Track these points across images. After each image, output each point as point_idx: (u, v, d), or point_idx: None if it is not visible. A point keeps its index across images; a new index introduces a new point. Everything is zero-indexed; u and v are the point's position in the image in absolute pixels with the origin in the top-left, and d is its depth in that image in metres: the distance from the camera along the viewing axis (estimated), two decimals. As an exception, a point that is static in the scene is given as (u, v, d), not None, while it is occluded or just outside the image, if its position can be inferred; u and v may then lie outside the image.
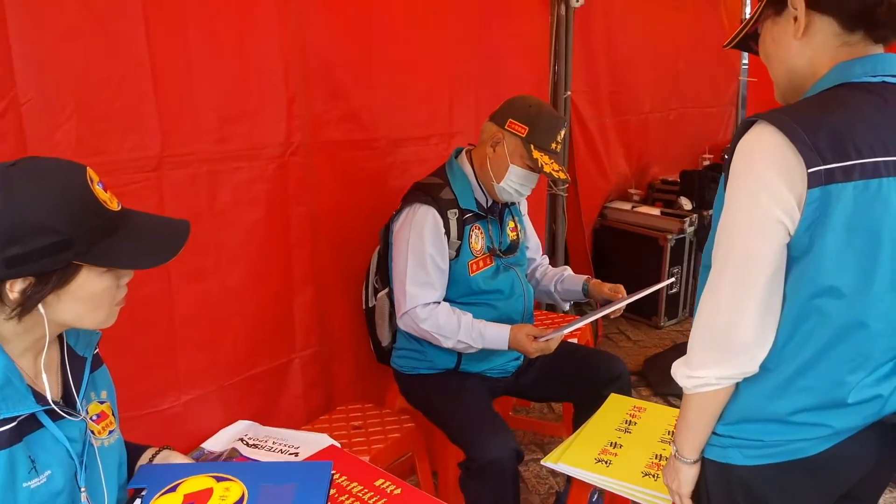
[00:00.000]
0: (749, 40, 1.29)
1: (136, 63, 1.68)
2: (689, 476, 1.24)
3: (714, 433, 1.19)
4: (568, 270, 2.29)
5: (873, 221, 1.03)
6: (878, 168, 1.02)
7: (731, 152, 1.10)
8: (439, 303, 1.94)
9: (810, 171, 1.00)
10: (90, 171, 0.99)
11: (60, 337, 1.10)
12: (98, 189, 0.99)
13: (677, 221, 3.92)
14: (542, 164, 1.90)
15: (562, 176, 1.95)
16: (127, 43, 1.65)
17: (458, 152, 2.09)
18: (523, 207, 2.24)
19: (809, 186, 1.01)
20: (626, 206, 4.14)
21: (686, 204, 4.09)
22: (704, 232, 4.00)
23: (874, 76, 1.07)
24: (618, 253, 4.05)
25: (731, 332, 1.09)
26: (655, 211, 4.06)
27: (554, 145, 1.95)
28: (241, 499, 1.11)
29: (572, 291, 2.21)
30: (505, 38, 2.90)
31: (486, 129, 2.01)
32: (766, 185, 1.03)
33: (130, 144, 1.70)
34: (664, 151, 4.60)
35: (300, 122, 2.07)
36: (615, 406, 1.96)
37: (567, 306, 2.33)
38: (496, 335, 1.91)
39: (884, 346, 1.10)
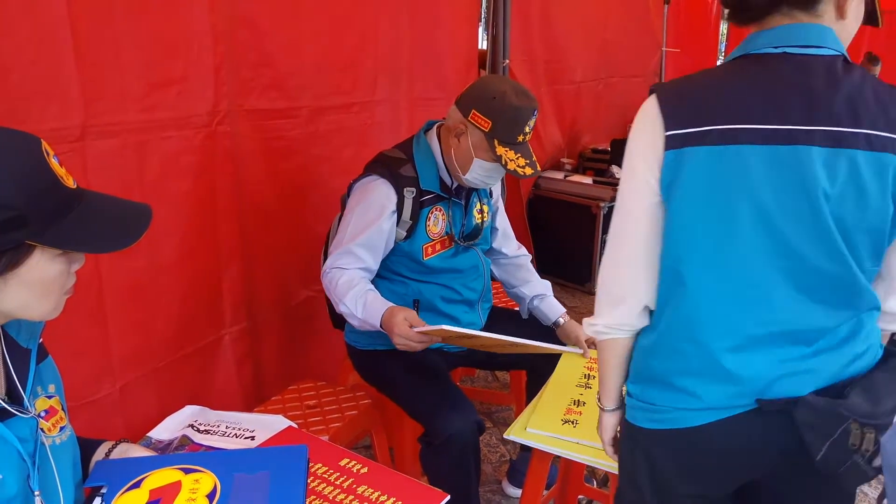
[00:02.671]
0: None
1: (54, 26, 1.54)
2: (607, 423, 1.31)
3: (627, 392, 1.24)
4: (549, 291, 2.21)
5: (727, 188, 1.04)
6: (737, 135, 1.03)
7: None
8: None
9: (668, 133, 1.05)
10: (45, 144, 0.89)
11: (0, 327, 0.99)
12: (54, 163, 0.88)
13: (609, 189, 4.00)
14: (505, 161, 1.80)
15: (528, 171, 1.82)
16: (45, 6, 1.51)
17: (429, 126, 1.99)
18: (493, 189, 2.16)
19: (666, 148, 1.06)
20: (559, 175, 4.19)
21: (617, 172, 4.17)
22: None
23: (776, 47, 1.06)
24: (552, 222, 4.10)
25: (610, 284, 1.18)
26: (587, 179, 4.13)
27: (520, 138, 1.82)
28: (214, 491, 1.04)
29: (545, 316, 2.14)
30: (433, 4, 2.83)
31: (452, 115, 1.90)
32: (639, 148, 1.10)
33: (51, 113, 1.56)
34: (594, 120, 4.67)
35: (227, 90, 1.98)
36: (571, 362, 1.96)
37: (526, 315, 2.24)
38: (374, 309, 1.76)
39: (747, 319, 1.08)
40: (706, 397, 1.11)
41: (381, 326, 1.74)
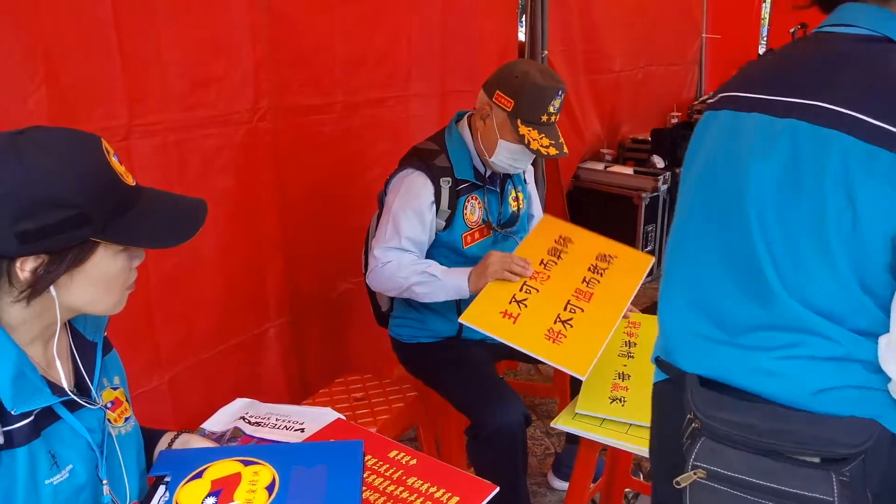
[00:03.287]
0: None
1: (100, 28, 1.58)
2: None
3: None
4: None
5: (701, 149, 1.06)
6: (726, 101, 1.02)
7: None
8: None
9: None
10: (105, 143, 0.91)
11: (67, 321, 1.02)
12: (114, 161, 0.91)
13: (651, 180, 3.94)
14: (528, 140, 1.80)
15: (552, 151, 1.82)
16: (91, 6, 1.56)
17: (460, 116, 2.01)
18: (528, 175, 2.16)
19: None
20: (599, 166, 4.14)
21: (658, 162, 4.11)
22: (677, 190, 4.03)
23: (820, 28, 1.01)
24: (592, 213, 4.05)
25: None
26: (628, 170, 4.07)
27: (544, 118, 1.82)
28: (273, 483, 1.06)
29: None
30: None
31: (480, 99, 1.92)
32: None
33: (98, 114, 1.61)
34: (634, 110, 4.61)
35: (268, 87, 2.01)
36: None
37: None
38: (456, 269, 1.83)
39: (683, 276, 1.07)
40: (655, 349, 1.12)
41: (469, 276, 1.79)
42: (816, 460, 0.87)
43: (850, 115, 0.85)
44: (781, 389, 0.91)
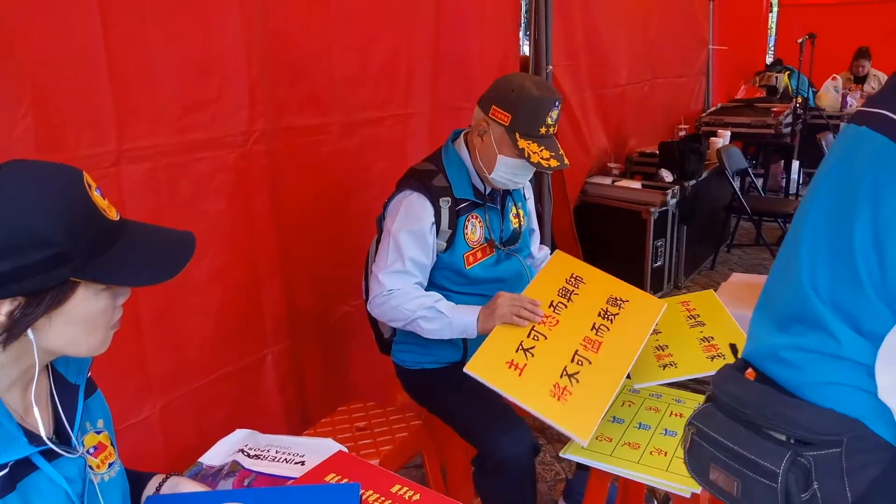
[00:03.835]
0: None
1: (89, 50, 1.54)
2: None
3: None
4: None
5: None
6: (856, 114, 1.02)
7: None
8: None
9: None
10: (87, 177, 0.87)
11: (48, 363, 0.97)
12: (97, 196, 0.86)
13: (659, 194, 3.88)
14: (528, 154, 1.76)
15: (552, 164, 1.77)
16: (80, 29, 1.52)
17: (456, 135, 1.96)
18: (527, 191, 2.12)
19: None
20: (607, 180, 4.09)
21: (667, 176, 4.05)
22: (686, 203, 3.97)
23: None
24: (599, 229, 4.00)
25: None
26: (636, 184, 4.02)
27: (543, 129, 1.77)
28: (264, 530, 1.01)
29: None
30: (469, 12, 2.78)
31: (475, 115, 1.88)
32: None
33: (87, 139, 1.57)
34: (640, 123, 4.56)
35: (263, 108, 1.96)
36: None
37: None
38: (464, 307, 1.78)
39: (771, 276, 1.11)
40: None
41: (478, 316, 1.74)
42: (783, 438, 0.94)
43: (892, 117, 0.89)
44: (789, 377, 0.98)
